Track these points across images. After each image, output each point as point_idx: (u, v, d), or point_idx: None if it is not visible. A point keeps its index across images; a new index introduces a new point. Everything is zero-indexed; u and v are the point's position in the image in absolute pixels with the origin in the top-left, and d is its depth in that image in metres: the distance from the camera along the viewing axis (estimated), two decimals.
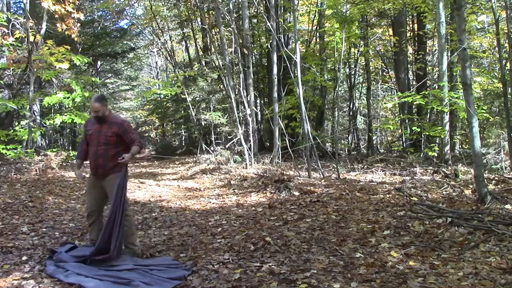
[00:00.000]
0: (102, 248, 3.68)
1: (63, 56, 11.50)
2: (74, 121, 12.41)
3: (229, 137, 14.34)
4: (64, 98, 12.01)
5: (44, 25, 12.43)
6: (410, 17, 15.09)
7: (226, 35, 14.81)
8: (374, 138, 17.65)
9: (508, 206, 5.28)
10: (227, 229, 5.09)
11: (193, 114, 14.76)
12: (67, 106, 12.60)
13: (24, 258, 3.94)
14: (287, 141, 11.50)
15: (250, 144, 11.66)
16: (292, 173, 9.73)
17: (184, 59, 24.00)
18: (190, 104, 14.36)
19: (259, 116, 17.18)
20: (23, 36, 11.06)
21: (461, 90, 7.79)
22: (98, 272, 3.47)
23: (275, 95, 12.44)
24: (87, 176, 4.21)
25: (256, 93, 16.83)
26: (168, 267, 3.65)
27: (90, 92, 15.89)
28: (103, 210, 4.20)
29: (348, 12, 10.11)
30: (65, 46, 11.62)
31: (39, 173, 9.74)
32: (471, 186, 6.70)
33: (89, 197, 4.18)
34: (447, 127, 9.53)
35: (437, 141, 10.21)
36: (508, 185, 6.88)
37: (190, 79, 15.81)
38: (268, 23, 11.85)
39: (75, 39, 11.72)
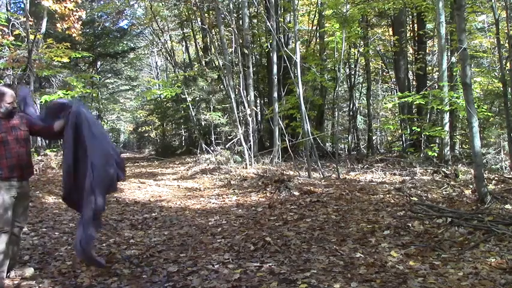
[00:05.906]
0: None
1: (63, 53, 11.51)
2: None
3: (229, 137, 14.33)
4: (64, 95, 12.01)
5: (44, 25, 12.41)
6: (410, 17, 15.08)
7: (226, 35, 14.80)
8: (374, 138, 17.65)
9: (508, 206, 5.28)
10: (227, 229, 5.09)
11: (193, 114, 14.75)
12: None
13: (24, 258, 3.94)
14: (287, 141, 11.50)
15: (250, 144, 11.66)
16: (292, 173, 9.72)
17: (184, 59, 23.96)
18: (190, 104, 14.35)
19: (259, 116, 17.16)
20: (23, 35, 11.05)
21: (461, 90, 7.79)
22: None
23: (275, 95, 12.44)
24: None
25: (256, 93, 16.82)
26: None
27: (90, 91, 15.88)
28: None
29: (348, 12, 10.11)
30: (64, 43, 11.62)
31: (39, 173, 9.72)
32: (471, 186, 6.70)
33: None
34: (447, 127, 9.52)
35: (437, 141, 10.20)
36: (508, 185, 6.87)
37: (190, 79, 15.80)
38: (268, 23, 11.84)
39: (76, 38, 11.69)
